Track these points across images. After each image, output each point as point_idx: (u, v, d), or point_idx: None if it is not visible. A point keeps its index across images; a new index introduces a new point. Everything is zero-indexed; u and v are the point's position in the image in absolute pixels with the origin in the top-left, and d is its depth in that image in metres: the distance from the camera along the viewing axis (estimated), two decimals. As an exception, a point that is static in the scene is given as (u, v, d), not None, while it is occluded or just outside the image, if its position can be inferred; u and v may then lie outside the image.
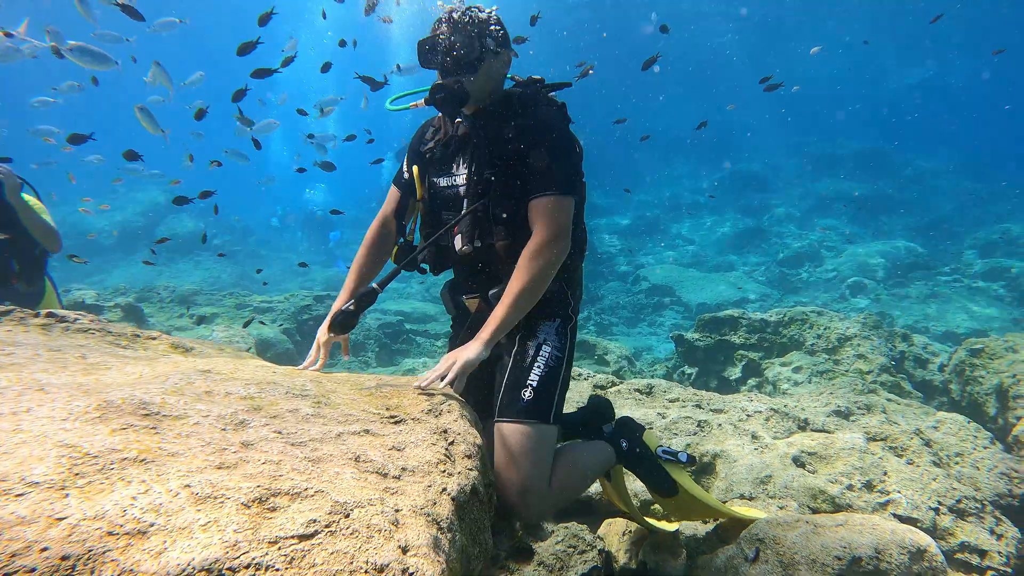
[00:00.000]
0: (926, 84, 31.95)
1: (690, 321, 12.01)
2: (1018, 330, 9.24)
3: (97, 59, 5.30)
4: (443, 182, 2.24)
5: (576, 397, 4.21)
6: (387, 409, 1.65)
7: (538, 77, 2.29)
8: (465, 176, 2.18)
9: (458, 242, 2.16)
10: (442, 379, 1.87)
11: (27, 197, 3.95)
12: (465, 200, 2.16)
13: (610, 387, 4.24)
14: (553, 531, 2.85)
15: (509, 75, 2.27)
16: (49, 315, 2.25)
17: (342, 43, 6.90)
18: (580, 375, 4.43)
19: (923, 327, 9.39)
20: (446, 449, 1.49)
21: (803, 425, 3.37)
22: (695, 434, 3.43)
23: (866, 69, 32.57)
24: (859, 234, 15.76)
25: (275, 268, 16.61)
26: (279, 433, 1.34)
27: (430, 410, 1.68)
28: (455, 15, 2.09)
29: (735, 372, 6.12)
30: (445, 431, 1.57)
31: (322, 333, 2.20)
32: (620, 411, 3.70)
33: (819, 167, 21.44)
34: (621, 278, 14.45)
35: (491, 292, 2.20)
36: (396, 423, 1.56)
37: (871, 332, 5.58)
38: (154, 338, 2.47)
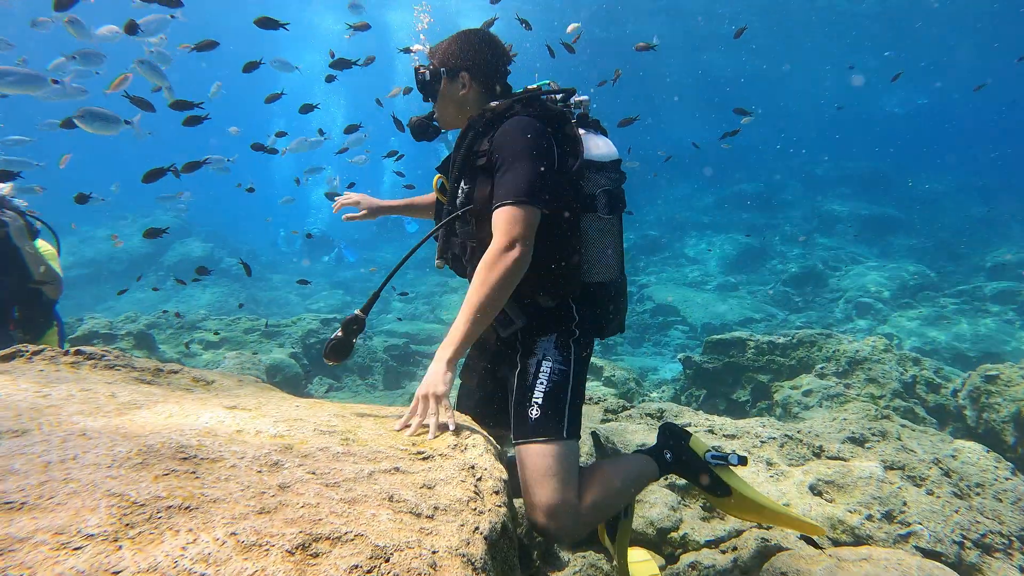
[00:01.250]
0: (923, 108, 32.21)
1: (695, 341, 12.01)
2: (1028, 352, 9.22)
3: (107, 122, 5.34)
4: (440, 195, 2.37)
5: (586, 423, 4.22)
6: (413, 444, 1.66)
7: (532, 87, 2.28)
8: (444, 194, 2.30)
9: (437, 255, 2.27)
10: (428, 421, 1.80)
11: (40, 243, 3.97)
12: (442, 213, 2.26)
13: (621, 412, 4.24)
14: (570, 560, 2.85)
15: (521, 88, 2.30)
16: (78, 352, 2.28)
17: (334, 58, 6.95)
18: (590, 399, 4.43)
19: (931, 349, 9.36)
20: (475, 486, 1.51)
21: (818, 452, 3.36)
22: (710, 461, 3.42)
23: (863, 92, 32.88)
24: (863, 254, 15.78)
25: (281, 291, 16.68)
26: (313, 474, 1.36)
27: (456, 445, 1.70)
28: (436, 45, 2.30)
29: (744, 395, 6.11)
30: (472, 467, 1.59)
31: (367, 203, 2.77)
32: (632, 437, 3.70)
33: (821, 187, 21.54)
34: (626, 299, 14.45)
35: None
36: (424, 459, 1.58)
37: (882, 355, 5.57)
38: (176, 372, 2.50)
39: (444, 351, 1.85)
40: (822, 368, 5.63)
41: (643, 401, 6.62)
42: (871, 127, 32.47)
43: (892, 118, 33.04)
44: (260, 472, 1.32)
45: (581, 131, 2.22)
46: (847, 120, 32.30)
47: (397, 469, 1.48)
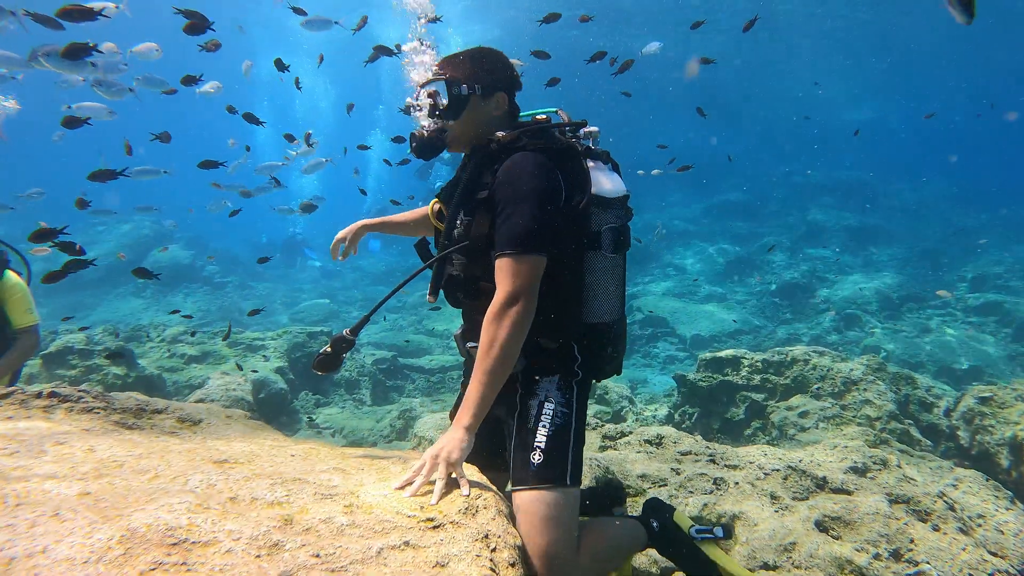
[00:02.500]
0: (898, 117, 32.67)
1: (684, 353, 11.98)
2: (1014, 366, 9.29)
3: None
4: (441, 221, 2.21)
5: (584, 451, 4.12)
6: (421, 508, 1.55)
7: (542, 117, 2.18)
8: (442, 222, 2.15)
9: (429, 289, 2.12)
10: (433, 480, 1.71)
11: (10, 275, 3.77)
12: (437, 245, 2.15)
13: (619, 438, 4.15)
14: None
15: (529, 112, 2.22)
16: (52, 395, 2.14)
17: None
18: (588, 424, 4.33)
19: (918, 362, 9.40)
20: (491, 560, 1.40)
21: (821, 484, 3.29)
22: (711, 492, 3.34)
23: (838, 102, 33.30)
24: (849, 264, 15.90)
25: (264, 300, 16.42)
26: (317, 557, 1.24)
27: (466, 509, 1.58)
28: (443, 61, 2.10)
29: (739, 413, 6.05)
30: (486, 536, 1.48)
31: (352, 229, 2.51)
32: (632, 467, 3.61)
33: (806, 197, 21.71)
34: (614, 309, 14.40)
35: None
36: (435, 528, 1.46)
37: (875, 375, 5.54)
38: (160, 411, 2.36)
39: (463, 417, 1.78)
40: (818, 388, 5.58)
41: (638, 420, 6.54)
42: (850, 137, 32.88)
43: (871, 127, 33.47)
44: (259, 557, 1.20)
45: (590, 163, 2.11)
46: (829, 130, 32.69)
47: (407, 543, 1.36)
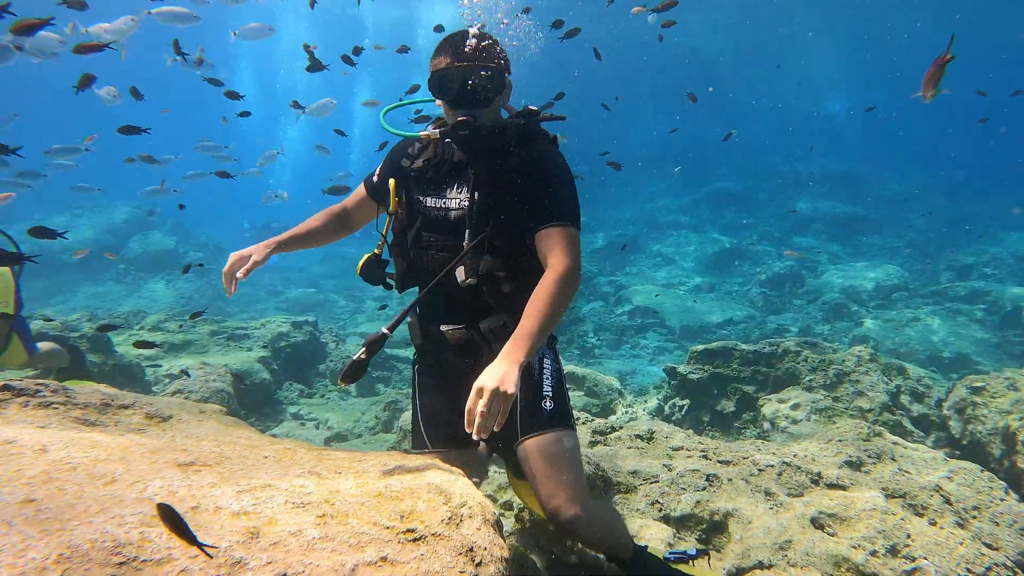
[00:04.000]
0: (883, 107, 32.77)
1: (673, 343, 11.93)
2: (1000, 354, 9.31)
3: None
4: (432, 203, 2.19)
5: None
6: (401, 518, 1.43)
7: (533, 108, 2.26)
8: (461, 201, 2.14)
9: (460, 273, 2.10)
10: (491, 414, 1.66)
11: None
12: (467, 229, 2.10)
13: (610, 433, 4.05)
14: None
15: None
16: (4, 388, 1.99)
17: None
18: (578, 419, 4.23)
19: (907, 351, 9.40)
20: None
21: (816, 479, 3.21)
22: (704, 489, 3.25)
23: (822, 93, 33.34)
24: (838, 254, 15.91)
25: (249, 288, 16.17)
26: (283, 577, 1.12)
27: (450, 518, 1.46)
28: (475, 45, 2.06)
29: (729, 405, 5.99)
30: (471, 549, 1.36)
31: (248, 250, 2.19)
32: (623, 463, 3.51)
33: (794, 187, 21.70)
34: (603, 298, 14.34)
35: (482, 324, 2.17)
36: (415, 541, 1.35)
37: (867, 365, 5.49)
38: (127, 406, 2.22)
39: (516, 353, 1.74)
40: (810, 380, 5.52)
41: (627, 412, 6.46)
42: (837, 127, 32.95)
43: (857, 118, 33.56)
44: (217, 579, 1.08)
45: None
46: (815, 120, 32.75)
47: (384, 559, 1.24)
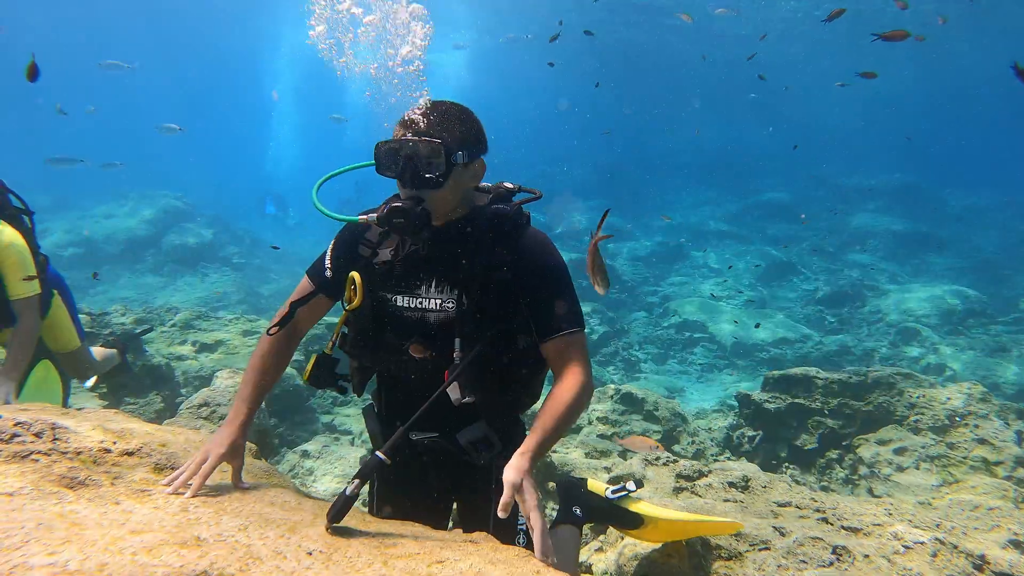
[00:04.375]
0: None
1: (724, 361, 11.22)
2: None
3: None
4: (403, 302, 1.90)
5: (654, 489, 3.44)
6: None
7: (509, 186, 2.02)
8: (443, 304, 1.88)
9: (454, 392, 1.80)
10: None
11: (4, 230, 3.19)
12: (457, 338, 1.83)
13: (698, 479, 3.46)
14: None
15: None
16: (-26, 431, 1.50)
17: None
18: (658, 459, 3.65)
19: (991, 384, 8.56)
20: None
21: (979, 564, 2.58)
22: (832, 566, 2.64)
23: (889, 98, 32.00)
24: (899, 273, 14.97)
25: (289, 279, 15.86)
26: None
27: None
28: (422, 116, 1.78)
29: (811, 441, 5.34)
30: None
31: (216, 444, 1.74)
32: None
33: (850, 200, 20.68)
34: (647, 309, 13.70)
35: (460, 437, 1.91)
36: None
37: (980, 406, 4.78)
38: (131, 453, 1.72)
39: (525, 460, 1.60)
40: (916, 421, 4.83)
41: (693, 443, 5.83)
42: (897, 138, 31.58)
43: (918, 126, 32.13)
44: None
45: None
46: (873, 128, 31.49)
47: None
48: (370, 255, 1.94)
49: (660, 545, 2.78)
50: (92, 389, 5.40)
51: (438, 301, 1.88)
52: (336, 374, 2.04)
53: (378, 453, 1.68)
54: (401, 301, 1.91)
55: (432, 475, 2.13)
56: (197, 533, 1.30)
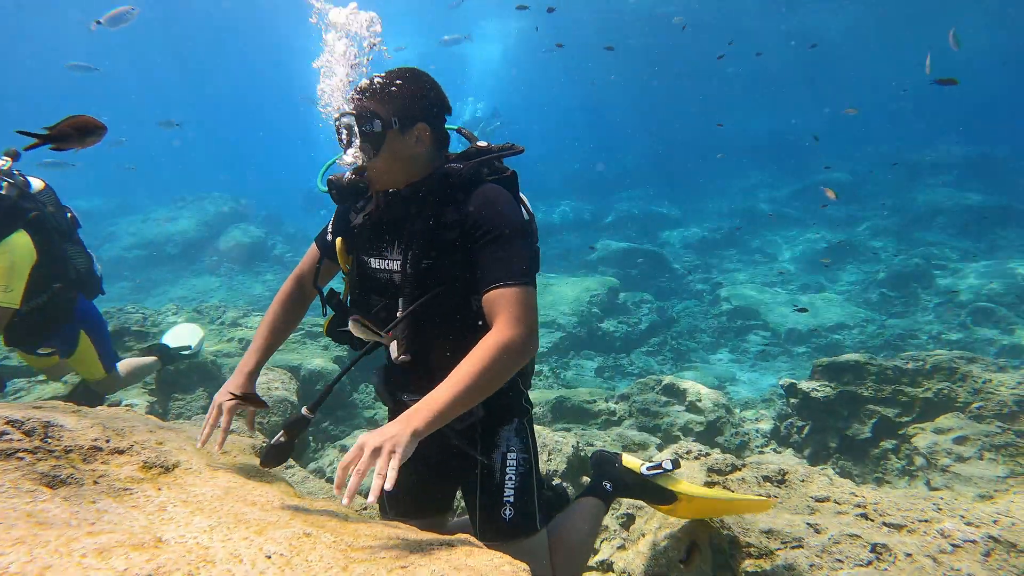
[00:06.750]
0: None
1: (778, 348, 10.81)
2: None
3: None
4: (375, 264, 1.99)
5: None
6: None
7: (484, 145, 2.01)
8: (400, 264, 1.92)
9: (394, 349, 1.91)
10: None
11: (15, 238, 3.25)
12: (401, 295, 1.90)
13: (730, 473, 3.29)
14: None
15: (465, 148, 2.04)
16: (-40, 432, 1.53)
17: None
18: (689, 452, 3.50)
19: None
20: None
21: (1039, 565, 2.36)
22: (870, 565, 2.46)
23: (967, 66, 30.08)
24: (971, 250, 14.08)
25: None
26: None
27: None
28: (359, 91, 1.85)
29: (864, 431, 5.05)
30: None
31: (222, 395, 1.96)
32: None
33: (915, 175, 19.58)
34: (697, 297, 13.34)
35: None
36: None
37: (1052, 391, 4.41)
38: (122, 451, 1.72)
39: (414, 419, 1.53)
40: (979, 408, 4.49)
41: (737, 434, 5.62)
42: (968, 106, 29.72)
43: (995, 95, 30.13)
44: None
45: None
46: (943, 99, 29.71)
47: None
48: (354, 224, 2.04)
49: (682, 549, 2.68)
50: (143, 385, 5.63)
51: (397, 262, 1.94)
52: (344, 331, 2.11)
53: (303, 409, 1.93)
54: (374, 264, 1.99)
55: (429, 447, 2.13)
56: (161, 534, 1.28)
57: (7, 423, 1.61)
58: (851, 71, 31.87)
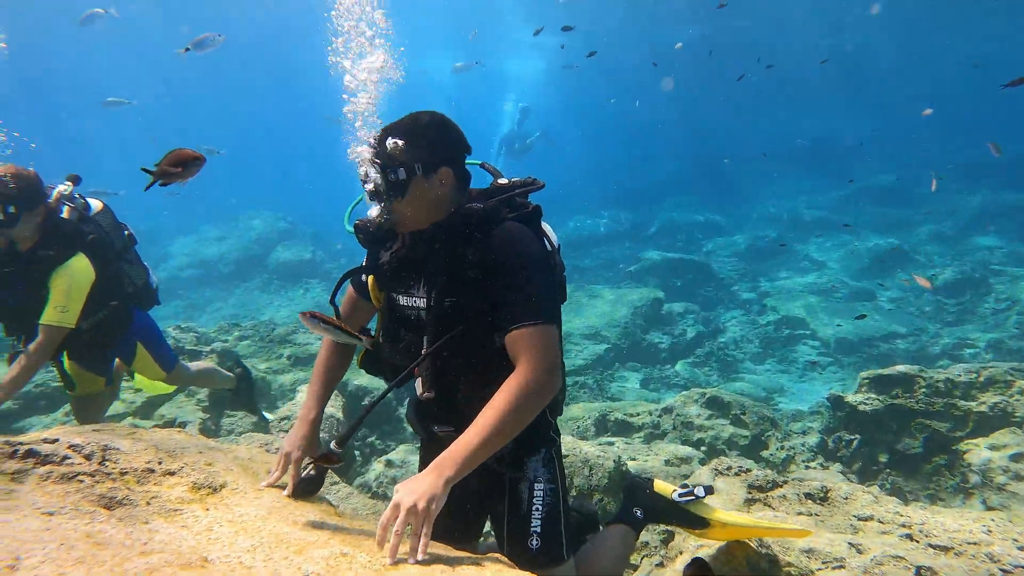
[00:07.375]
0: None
1: (828, 358, 10.53)
2: None
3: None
4: (403, 301, 2.05)
5: (724, 500, 3.27)
6: None
7: (503, 182, 2.06)
8: (425, 301, 1.98)
9: (419, 386, 2.01)
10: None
11: (76, 261, 3.41)
12: (426, 333, 1.97)
13: (771, 490, 3.25)
14: None
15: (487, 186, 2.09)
16: (29, 454, 1.65)
17: None
18: (729, 468, 3.47)
19: None
20: None
21: (1096, 592, 2.27)
22: (915, 587, 2.40)
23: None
24: (1031, 256, 13.47)
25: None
26: None
27: None
28: (381, 137, 1.90)
29: (914, 446, 4.89)
30: None
31: (291, 445, 2.03)
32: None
33: (970, 177, 18.83)
34: (743, 306, 13.10)
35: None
36: None
37: (1118, 406, 4.20)
38: (173, 472, 1.83)
39: (446, 468, 1.62)
40: (1036, 423, 4.33)
41: (783, 448, 5.51)
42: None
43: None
44: None
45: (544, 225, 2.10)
46: (995, 99, 28.54)
47: None
48: (382, 261, 2.09)
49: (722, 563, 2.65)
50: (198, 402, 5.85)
51: (423, 299, 1.98)
52: (379, 364, 2.18)
53: (332, 444, 1.92)
54: (402, 301, 2.04)
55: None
56: (207, 554, 1.37)
57: (69, 447, 1.73)
58: (892, 77, 30.99)
